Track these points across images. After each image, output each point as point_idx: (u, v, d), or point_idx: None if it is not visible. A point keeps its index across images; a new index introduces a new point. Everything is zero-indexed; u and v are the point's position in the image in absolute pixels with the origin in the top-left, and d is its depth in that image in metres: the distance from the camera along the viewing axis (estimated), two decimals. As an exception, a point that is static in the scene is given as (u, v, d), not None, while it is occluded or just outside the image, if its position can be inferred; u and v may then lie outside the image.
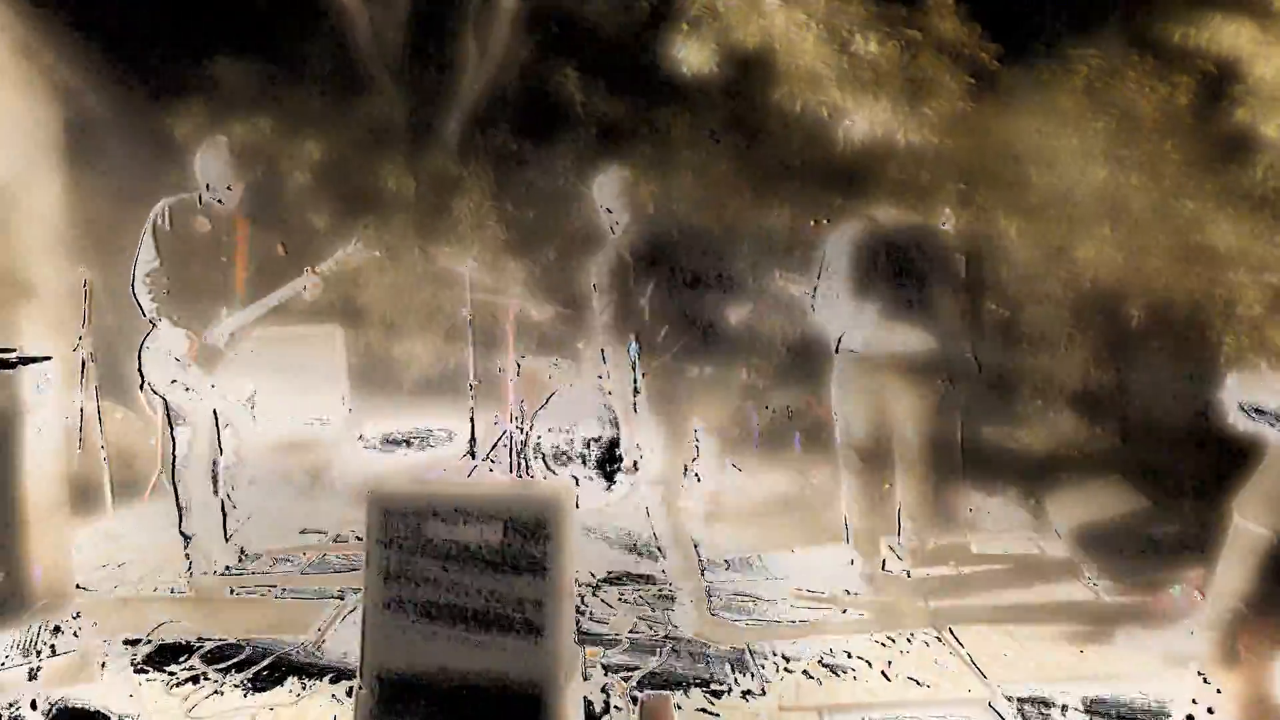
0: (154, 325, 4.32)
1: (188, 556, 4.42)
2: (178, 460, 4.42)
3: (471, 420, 5.54)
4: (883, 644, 3.69)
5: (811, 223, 6.08)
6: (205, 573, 4.39)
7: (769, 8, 5.86)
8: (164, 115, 6.05)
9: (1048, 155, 5.78)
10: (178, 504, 4.44)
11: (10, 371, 3.67)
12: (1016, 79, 5.89)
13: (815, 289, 4.38)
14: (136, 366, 4.33)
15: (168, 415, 4.42)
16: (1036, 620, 3.89)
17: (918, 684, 3.39)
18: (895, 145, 5.77)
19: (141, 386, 4.35)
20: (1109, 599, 4.08)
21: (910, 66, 5.84)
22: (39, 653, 3.39)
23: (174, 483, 4.45)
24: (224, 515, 4.50)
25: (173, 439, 4.41)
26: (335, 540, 4.84)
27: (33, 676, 3.30)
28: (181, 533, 4.44)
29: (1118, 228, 5.68)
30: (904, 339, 4.23)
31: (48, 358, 3.90)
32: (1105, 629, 3.81)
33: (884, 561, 4.40)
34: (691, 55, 6.03)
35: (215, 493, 4.47)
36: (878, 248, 4.28)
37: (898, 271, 4.27)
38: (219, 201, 4.39)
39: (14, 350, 3.81)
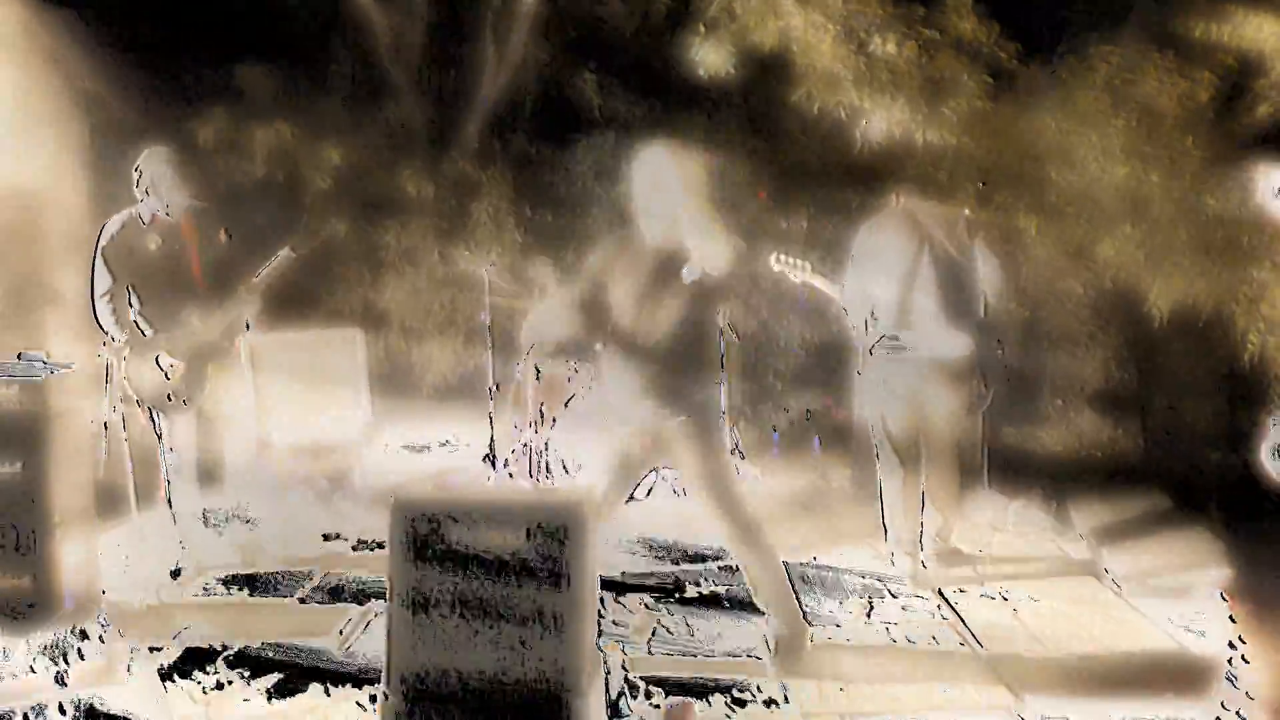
0: (126, 345, 4.28)
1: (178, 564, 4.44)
2: (170, 470, 4.43)
3: (491, 425, 5.55)
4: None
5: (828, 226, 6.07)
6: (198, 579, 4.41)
7: (786, 9, 5.84)
8: (187, 121, 6.10)
9: (1068, 153, 5.74)
10: (173, 513, 4.49)
11: (38, 378, 3.70)
12: (1036, 77, 5.85)
13: (843, 284, 4.31)
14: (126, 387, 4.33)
15: (156, 428, 4.43)
16: (1061, 625, 3.87)
17: (942, 692, 3.37)
18: (913, 145, 5.75)
19: (139, 404, 4.37)
20: (1133, 603, 4.04)
21: (928, 66, 5.81)
22: (66, 657, 3.43)
23: (168, 495, 4.48)
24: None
25: (166, 449, 4.44)
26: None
27: (60, 680, 3.34)
28: (180, 543, 4.49)
29: (1139, 226, 5.63)
30: (943, 341, 4.19)
31: (69, 365, 3.94)
32: (1134, 639, 3.79)
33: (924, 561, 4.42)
34: (709, 57, 6.02)
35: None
36: (913, 241, 4.21)
37: (934, 265, 4.19)
38: (165, 214, 4.30)
39: (41, 356, 3.85)
